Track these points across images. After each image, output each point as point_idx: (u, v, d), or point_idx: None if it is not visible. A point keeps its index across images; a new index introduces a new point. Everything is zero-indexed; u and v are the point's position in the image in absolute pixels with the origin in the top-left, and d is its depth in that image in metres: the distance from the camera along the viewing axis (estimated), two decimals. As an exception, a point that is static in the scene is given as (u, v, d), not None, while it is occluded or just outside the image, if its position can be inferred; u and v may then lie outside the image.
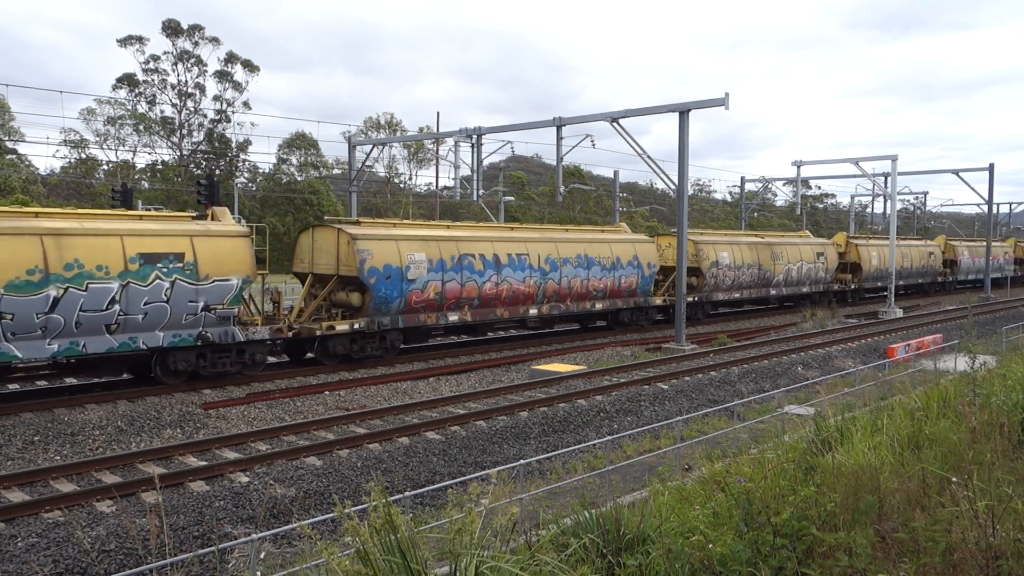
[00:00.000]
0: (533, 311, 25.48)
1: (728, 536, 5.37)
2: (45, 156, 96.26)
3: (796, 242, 39.22)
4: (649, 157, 26.56)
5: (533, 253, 25.09)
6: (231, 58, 61.00)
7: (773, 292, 37.04)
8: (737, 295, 34.93)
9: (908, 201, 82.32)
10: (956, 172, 47.57)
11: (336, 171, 66.27)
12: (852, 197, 66.83)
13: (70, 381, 18.50)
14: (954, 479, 5.85)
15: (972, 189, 49.55)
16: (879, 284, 44.32)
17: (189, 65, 60.21)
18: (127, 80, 59.65)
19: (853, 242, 43.41)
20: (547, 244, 26.02)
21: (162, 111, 60.95)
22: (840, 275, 42.60)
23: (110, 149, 60.34)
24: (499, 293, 23.97)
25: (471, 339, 26.70)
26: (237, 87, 61.83)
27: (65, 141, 57.79)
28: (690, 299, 30.18)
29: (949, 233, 76.75)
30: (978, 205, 61.48)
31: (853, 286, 43.20)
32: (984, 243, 56.38)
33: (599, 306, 27.88)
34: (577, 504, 7.02)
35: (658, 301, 30.40)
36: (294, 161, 66.12)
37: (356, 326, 20.66)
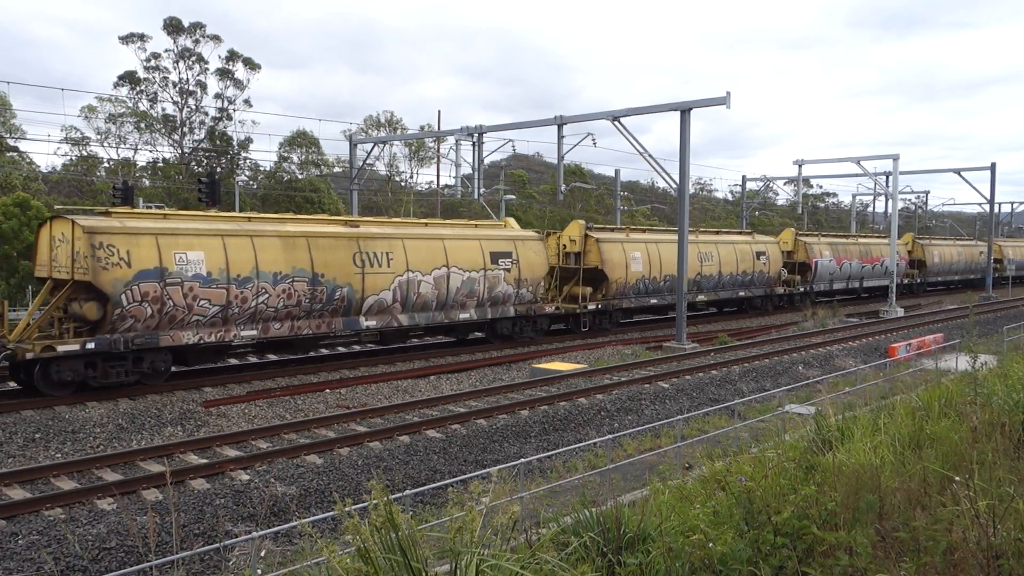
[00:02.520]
0: None
1: (728, 535, 5.37)
2: (46, 154, 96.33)
3: (445, 234, 23.12)
4: (650, 156, 26.56)
5: None
6: (232, 56, 60.98)
7: (370, 324, 20.80)
8: (249, 332, 18.45)
9: (910, 200, 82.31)
10: (958, 171, 47.58)
11: (337, 169, 66.25)
12: (854, 196, 66.73)
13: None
14: (956, 478, 5.84)
15: (974, 188, 49.78)
16: (652, 302, 30.30)
17: (190, 63, 60.22)
18: (128, 78, 59.63)
19: (594, 236, 28.71)
20: None
21: (163, 109, 60.98)
22: (575, 288, 27.83)
23: (111, 147, 60.35)
24: None
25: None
26: (238, 85, 61.80)
27: (66, 139, 57.78)
28: (73, 348, 16.10)
29: (952, 233, 76.39)
30: (979, 204, 61.47)
31: (594, 306, 27.81)
32: (854, 239, 45.46)
33: None
34: (577, 503, 7.01)
35: (27, 354, 15.63)
36: (295, 159, 66.11)
37: None
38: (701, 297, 33.12)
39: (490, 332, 25.29)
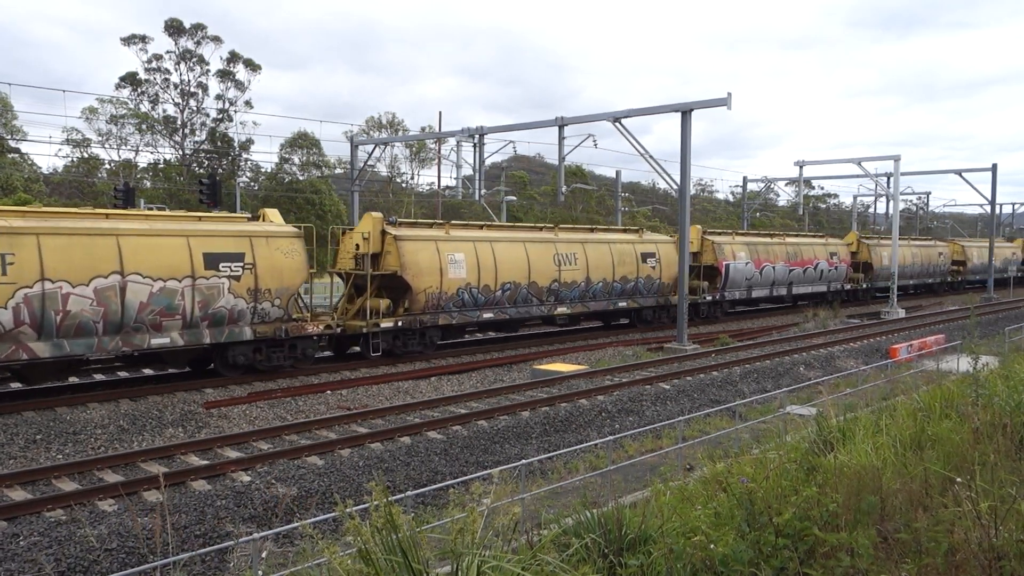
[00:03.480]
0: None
1: (730, 536, 5.36)
2: (47, 155, 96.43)
3: (122, 228, 16.81)
4: (651, 157, 26.57)
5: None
6: (233, 57, 61.07)
7: None
8: None
9: (911, 201, 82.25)
10: (959, 172, 47.56)
11: (338, 171, 66.33)
12: (855, 197, 66.65)
13: (72, 380, 18.50)
14: (957, 479, 5.84)
15: (975, 189, 49.59)
16: (486, 316, 24.26)
17: (191, 64, 60.30)
18: (129, 79, 59.73)
19: (392, 233, 22.29)
20: None
21: (164, 110, 61.06)
22: (372, 302, 21.73)
23: (112, 148, 60.44)
24: None
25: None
26: (239, 86, 61.86)
27: (67, 140, 57.87)
28: None
29: (953, 235, 76.24)
30: (981, 206, 61.43)
31: (392, 323, 21.82)
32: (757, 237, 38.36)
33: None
34: (579, 504, 7.01)
35: None
36: (296, 160, 66.18)
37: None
38: (562, 310, 26.37)
39: (220, 361, 18.92)
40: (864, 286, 44.15)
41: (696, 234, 33.71)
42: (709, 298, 33.33)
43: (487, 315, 24.37)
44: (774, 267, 36.61)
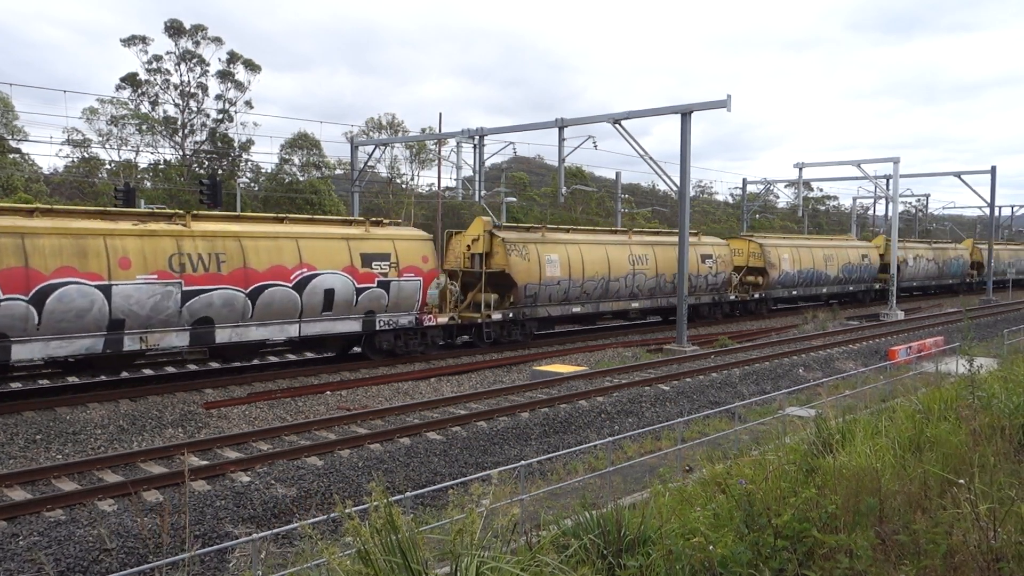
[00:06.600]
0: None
1: (729, 537, 5.37)
2: (48, 155, 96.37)
3: None
4: (651, 158, 26.57)
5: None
6: (233, 57, 61.06)
7: None
8: None
9: (910, 203, 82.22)
10: (958, 174, 47.59)
11: (338, 171, 66.30)
12: (854, 199, 66.58)
13: (72, 380, 18.50)
14: (959, 481, 5.84)
15: (974, 191, 49.51)
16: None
17: (191, 65, 60.30)
18: (130, 80, 59.73)
19: None
20: None
21: (165, 111, 61.04)
22: None
23: (113, 148, 60.42)
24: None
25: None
26: (239, 87, 61.85)
27: (68, 140, 57.84)
28: None
29: (953, 237, 76.10)
30: (980, 208, 61.42)
31: None
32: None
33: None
34: (578, 505, 7.01)
35: None
36: (296, 161, 66.14)
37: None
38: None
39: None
40: (502, 317, 24.02)
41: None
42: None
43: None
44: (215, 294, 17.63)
